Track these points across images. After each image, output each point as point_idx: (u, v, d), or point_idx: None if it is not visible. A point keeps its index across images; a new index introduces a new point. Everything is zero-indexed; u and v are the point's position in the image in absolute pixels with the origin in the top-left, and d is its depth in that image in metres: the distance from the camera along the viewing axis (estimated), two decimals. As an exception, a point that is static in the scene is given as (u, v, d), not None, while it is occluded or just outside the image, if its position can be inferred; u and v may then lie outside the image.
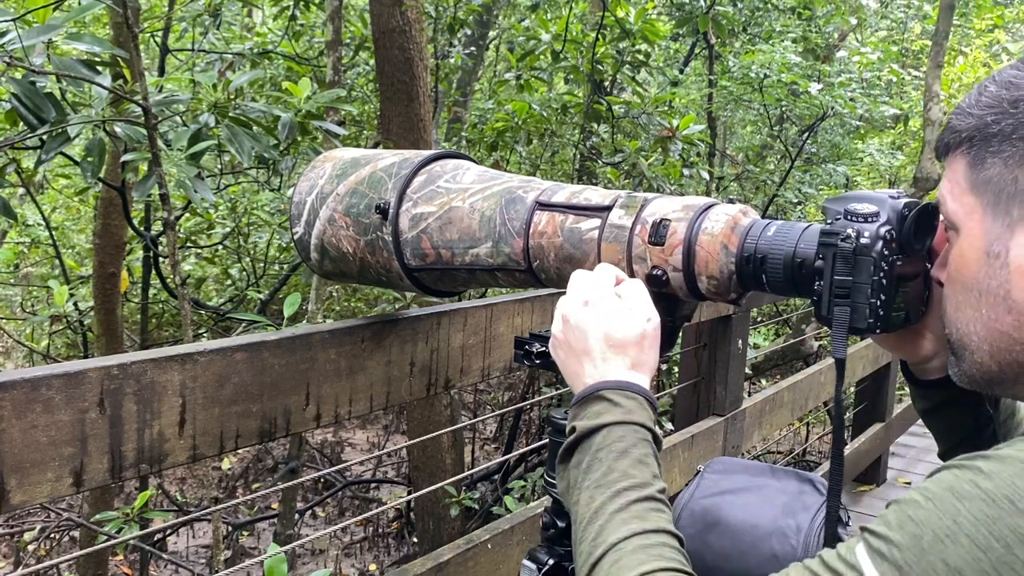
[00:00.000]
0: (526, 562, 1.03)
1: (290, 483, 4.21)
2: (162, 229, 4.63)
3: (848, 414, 4.22)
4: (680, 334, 2.26)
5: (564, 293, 0.96)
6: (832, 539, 0.84)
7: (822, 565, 0.67)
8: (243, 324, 4.76)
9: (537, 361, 1.05)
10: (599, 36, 4.82)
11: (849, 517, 1.06)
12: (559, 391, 4.49)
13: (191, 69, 5.62)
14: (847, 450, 3.67)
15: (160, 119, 2.62)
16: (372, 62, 4.95)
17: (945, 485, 0.64)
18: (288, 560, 2.55)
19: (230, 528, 5.54)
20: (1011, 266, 0.73)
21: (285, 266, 5.77)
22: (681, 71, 7.36)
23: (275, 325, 2.82)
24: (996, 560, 0.58)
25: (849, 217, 0.84)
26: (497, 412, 6.43)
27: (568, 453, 0.87)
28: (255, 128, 2.77)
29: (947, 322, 0.80)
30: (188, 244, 5.99)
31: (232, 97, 2.76)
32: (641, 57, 5.05)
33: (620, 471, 0.82)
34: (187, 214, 5.44)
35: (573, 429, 0.88)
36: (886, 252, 0.83)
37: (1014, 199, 0.72)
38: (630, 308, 0.90)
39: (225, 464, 6.52)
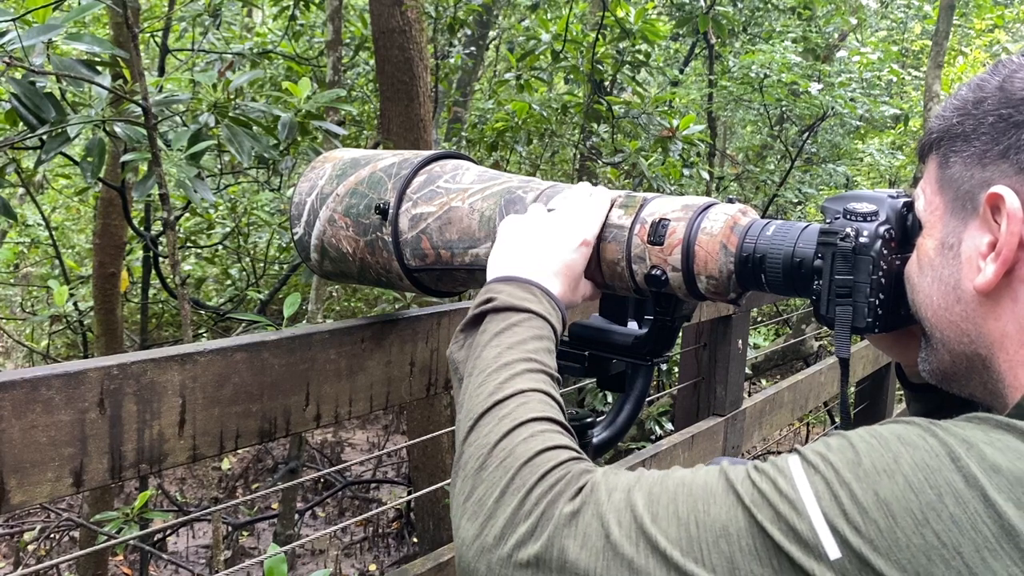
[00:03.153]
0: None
1: (290, 483, 4.21)
2: (162, 229, 4.63)
3: (850, 415, 4.21)
4: (680, 334, 2.26)
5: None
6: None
7: (754, 467, 0.68)
8: (243, 324, 4.76)
9: None
10: (599, 36, 4.82)
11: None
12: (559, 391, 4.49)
13: (191, 69, 5.62)
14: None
15: (160, 119, 2.62)
16: (372, 62, 4.95)
17: (893, 431, 0.66)
18: (288, 560, 2.55)
19: (230, 528, 5.54)
20: (962, 257, 0.76)
21: (285, 266, 5.77)
22: (681, 71, 7.36)
23: (275, 325, 2.82)
24: (925, 504, 0.60)
25: (848, 216, 0.84)
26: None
27: (478, 319, 0.91)
28: (255, 128, 2.77)
29: (914, 312, 0.83)
30: (188, 244, 5.99)
31: (232, 97, 2.76)
32: (641, 57, 5.05)
33: (534, 348, 0.86)
34: (187, 214, 5.44)
35: (490, 300, 0.91)
36: (885, 251, 0.83)
37: (968, 195, 0.75)
38: (565, 238, 0.97)
39: (225, 464, 6.52)
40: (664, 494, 0.69)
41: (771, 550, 0.63)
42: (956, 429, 0.65)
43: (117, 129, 2.52)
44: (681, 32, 6.74)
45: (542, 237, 0.97)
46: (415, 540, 5.40)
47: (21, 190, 6.64)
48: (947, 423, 0.66)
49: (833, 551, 0.61)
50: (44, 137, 2.36)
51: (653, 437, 4.80)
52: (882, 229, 0.83)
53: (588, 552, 0.68)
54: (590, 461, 0.78)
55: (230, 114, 2.69)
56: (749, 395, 2.98)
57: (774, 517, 0.64)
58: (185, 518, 5.23)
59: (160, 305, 6.40)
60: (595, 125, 5.30)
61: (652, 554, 0.66)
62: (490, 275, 0.97)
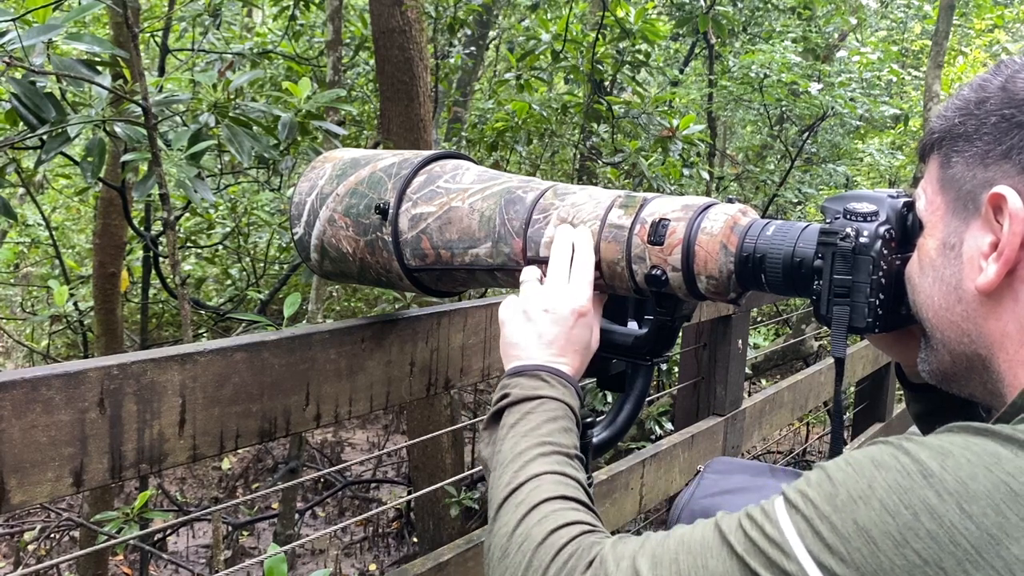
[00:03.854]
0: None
1: (290, 483, 4.21)
2: (162, 229, 4.63)
3: (848, 414, 4.22)
4: (680, 334, 2.26)
5: None
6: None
7: (745, 514, 0.70)
8: (243, 324, 4.76)
9: None
10: (599, 36, 4.82)
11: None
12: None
13: (191, 69, 5.61)
14: (846, 450, 3.66)
15: (160, 119, 2.62)
16: (372, 62, 4.95)
17: (867, 455, 0.67)
18: (288, 560, 2.55)
19: (230, 528, 5.54)
20: (963, 257, 0.76)
21: (285, 266, 5.77)
22: (681, 71, 7.36)
23: (275, 325, 2.82)
24: (902, 525, 0.61)
25: (848, 216, 0.84)
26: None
27: (497, 416, 0.96)
28: (255, 128, 2.77)
29: (914, 312, 0.83)
30: (188, 244, 5.99)
31: (232, 97, 2.76)
32: (641, 57, 5.05)
33: (547, 431, 0.91)
34: (187, 214, 5.43)
35: (505, 396, 0.96)
36: (885, 251, 0.83)
37: (970, 195, 0.76)
38: (559, 317, 0.99)
39: (225, 464, 6.52)
40: (666, 555, 0.72)
41: None
42: (933, 441, 0.65)
43: (117, 129, 2.52)
44: (681, 32, 6.74)
45: (539, 320, 1.00)
46: (415, 540, 5.40)
47: (21, 190, 6.64)
48: (926, 437, 0.67)
49: None
50: (44, 137, 2.35)
51: (653, 437, 4.80)
52: (882, 229, 0.83)
53: None
54: (602, 529, 0.82)
55: (230, 114, 2.68)
56: (749, 395, 2.98)
57: (766, 563, 0.66)
58: (185, 518, 5.23)
59: (160, 305, 6.40)
60: (595, 125, 5.30)
61: None
62: (506, 367, 1.01)
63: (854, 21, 8.20)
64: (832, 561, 0.62)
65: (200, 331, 6.03)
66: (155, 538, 5.00)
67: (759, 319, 6.94)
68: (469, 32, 6.28)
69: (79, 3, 3.04)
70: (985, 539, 0.59)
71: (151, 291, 5.46)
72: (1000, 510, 0.59)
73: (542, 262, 1.04)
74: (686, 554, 0.71)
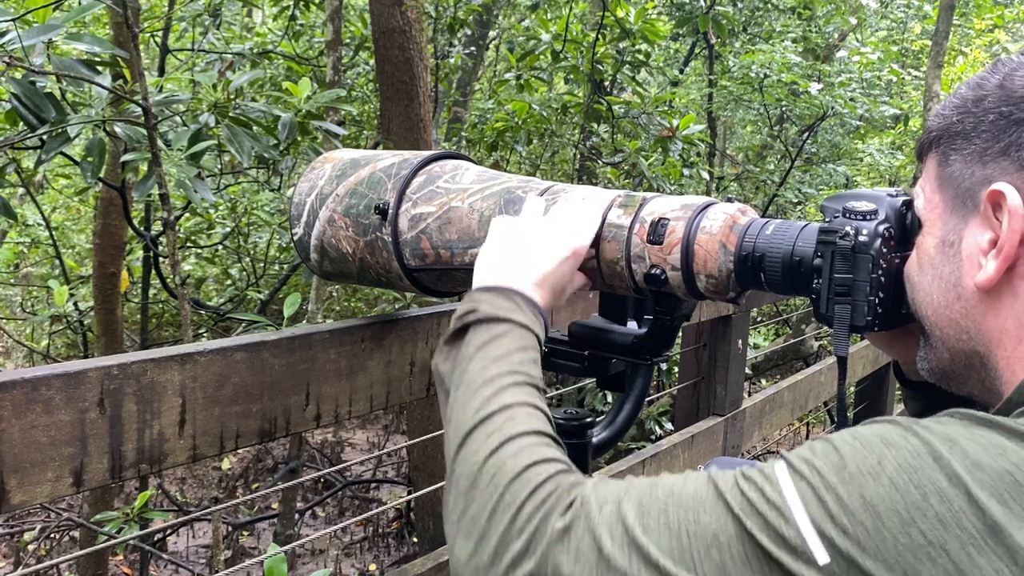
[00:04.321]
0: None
1: (290, 483, 4.21)
2: (162, 229, 4.63)
3: (848, 414, 4.20)
4: (680, 334, 2.26)
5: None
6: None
7: (741, 474, 0.69)
8: (243, 324, 4.76)
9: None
10: (599, 36, 4.82)
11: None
12: (559, 391, 4.50)
13: (191, 69, 5.61)
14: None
15: (160, 119, 2.62)
16: (372, 62, 4.95)
17: (875, 432, 0.66)
18: (288, 560, 2.55)
19: (230, 528, 5.54)
20: (962, 254, 0.76)
21: (285, 266, 5.77)
22: (681, 71, 7.36)
23: (275, 325, 2.82)
24: (910, 503, 0.60)
25: (847, 215, 0.84)
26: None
27: (462, 331, 0.90)
28: (255, 128, 2.77)
29: (914, 311, 0.83)
30: (188, 244, 5.99)
31: (232, 97, 2.76)
32: (641, 57, 5.05)
33: (519, 359, 0.86)
34: (187, 214, 5.44)
35: (472, 311, 0.91)
36: (885, 250, 0.83)
37: (969, 192, 0.76)
38: (554, 250, 0.96)
39: (225, 464, 6.52)
40: (654, 504, 0.69)
41: (761, 558, 0.64)
42: (938, 427, 0.65)
43: (117, 129, 2.52)
44: (681, 32, 6.74)
45: (530, 244, 0.96)
46: (415, 540, 5.40)
47: (21, 190, 6.65)
48: (928, 421, 0.67)
49: (822, 556, 0.62)
50: (44, 137, 2.36)
51: (653, 437, 4.80)
52: (881, 228, 0.83)
53: (582, 567, 0.69)
54: (578, 471, 0.78)
55: (230, 114, 2.69)
56: (749, 395, 2.98)
57: (763, 525, 0.64)
58: (185, 518, 5.23)
59: (160, 305, 6.40)
60: (595, 125, 5.30)
61: (645, 565, 0.67)
62: (475, 280, 0.97)
63: (854, 21, 8.20)
64: (834, 532, 0.62)
65: (200, 331, 6.03)
66: (155, 538, 5.00)
67: (759, 319, 6.94)
68: (469, 32, 6.28)
69: (79, 3, 3.04)
70: (991, 526, 0.59)
71: (151, 291, 5.46)
72: (1004, 499, 0.60)
73: None
74: (676, 506, 0.69)
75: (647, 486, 0.71)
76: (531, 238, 0.97)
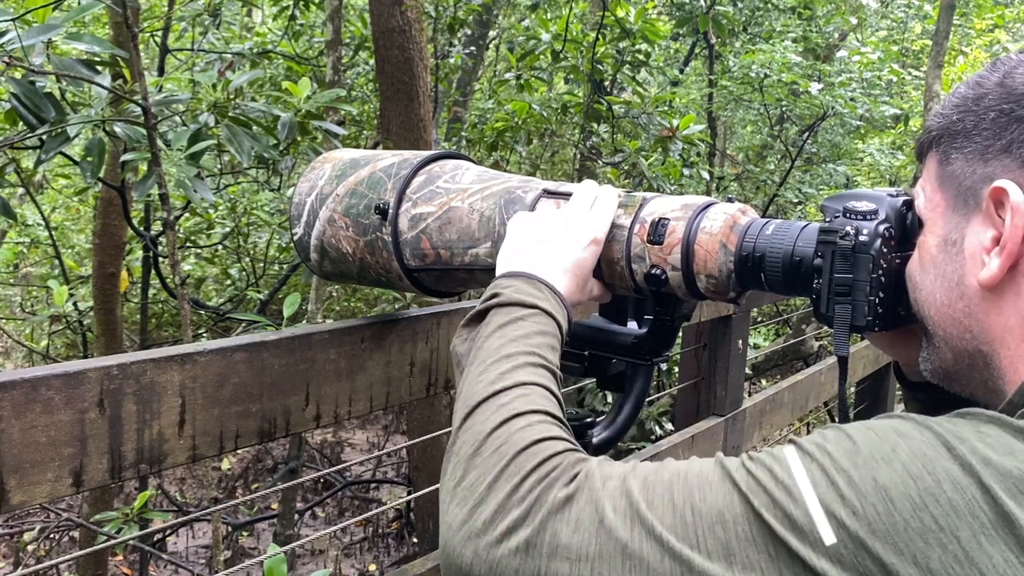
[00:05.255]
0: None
1: (290, 483, 4.21)
2: (162, 229, 4.63)
3: (849, 414, 4.20)
4: (680, 334, 2.25)
5: None
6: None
7: (748, 456, 0.69)
8: (243, 324, 4.76)
9: None
10: (599, 36, 4.82)
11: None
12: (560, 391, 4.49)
13: (191, 69, 5.61)
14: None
15: (160, 119, 2.62)
16: (372, 62, 4.95)
17: (888, 424, 0.66)
18: (288, 560, 2.55)
19: (230, 528, 5.54)
20: (965, 252, 0.76)
21: (285, 266, 5.77)
22: (681, 71, 7.36)
23: (275, 325, 2.82)
24: (923, 489, 0.60)
25: (848, 215, 0.84)
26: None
27: (482, 315, 0.90)
28: (255, 128, 2.77)
29: (916, 311, 0.83)
30: (188, 244, 5.99)
31: (232, 97, 2.76)
32: (641, 57, 5.05)
33: (538, 343, 0.86)
34: (187, 214, 5.44)
35: (496, 295, 0.90)
36: (885, 250, 0.83)
37: (971, 190, 0.76)
38: (575, 236, 0.97)
39: (225, 464, 6.52)
40: (659, 483, 0.69)
41: (767, 536, 0.63)
42: (947, 424, 0.65)
43: (117, 129, 2.52)
44: (681, 32, 6.74)
45: (552, 234, 0.97)
46: (415, 540, 5.40)
47: (21, 190, 6.64)
48: (938, 419, 0.67)
49: (829, 536, 0.61)
50: (44, 137, 2.36)
51: (653, 437, 4.80)
52: (882, 227, 0.83)
53: (581, 536, 0.68)
54: (585, 453, 0.77)
55: (230, 114, 2.69)
56: (749, 395, 2.98)
57: (770, 504, 0.64)
58: (185, 518, 5.23)
59: (160, 305, 6.40)
60: (595, 125, 5.30)
61: (647, 538, 0.66)
62: (499, 271, 0.96)
63: (854, 21, 8.20)
64: (844, 512, 0.61)
65: (200, 331, 6.03)
66: (155, 538, 5.00)
67: (759, 319, 6.94)
68: (469, 32, 6.28)
69: (79, 3, 3.03)
70: (1003, 516, 0.59)
71: (151, 291, 5.46)
72: (1014, 494, 0.60)
73: None
74: (682, 484, 0.68)
75: (653, 467, 0.72)
76: (552, 228, 0.97)
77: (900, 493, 0.61)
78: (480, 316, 0.91)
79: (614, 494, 0.69)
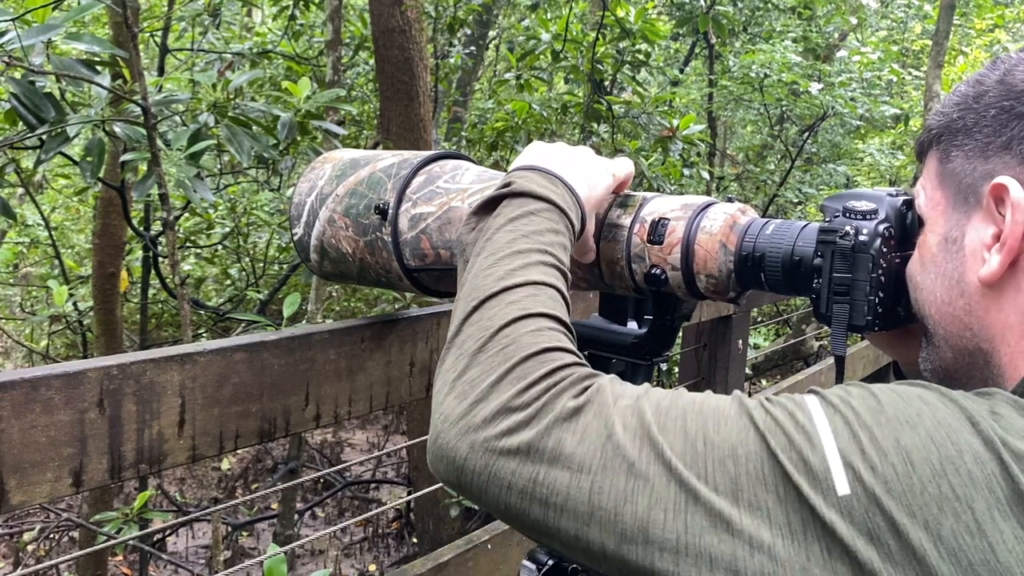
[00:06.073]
0: (526, 562, 1.03)
1: (290, 483, 4.21)
2: (162, 229, 4.63)
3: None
4: (680, 334, 2.25)
5: None
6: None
7: (766, 399, 0.68)
8: (243, 324, 4.76)
9: None
10: (599, 36, 4.82)
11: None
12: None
13: (191, 69, 5.61)
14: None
15: (160, 119, 2.62)
16: (372, 62, 4.95)
17: (913, 391, 0.66)
18: (288, 560, 2.55)
19: (230, 528, 5.54)
20: (966, 250, 0.76)
21: (285, 266, 5.77)
22: (681, 71, 7.36)
23: (275, 325, 2.82)
24: (945, 457, 0.60)
25: (847, 215, 0.84)
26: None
27: (492, 203, 0.86)
28: (255, 128, 2.77)
29: (916, 311, 0.83)
30: (188, 244, 5.99)
31: (232, 97, 2.76)
32: (641, 57, 5.05)
33: (550, 240, 0.82)
34: (187, 214, 5.44)
35: (509, 184, 0.86)
36: (885, 249, 0.83)
37: (971, 187, 0.76)
38: (597, 160, 0.95)
39: (225, 464, 6.52)
40: (673, 408, 0.68)
41: (778, 477, 0.63)
42: (971, 400, 0.65)
43: (117, 129, 2.52)
44: (681, 32, 6.74)
45: (574, 151, 0.94)
46: (415, 540, 5.40)
47: (21, 190, 6.65)
48: (962, 393, 0.66)
49: (843, 487, 0.61)
50: (44, 137, 2.36)
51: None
52: (882, 227, 0.83)
53: (586, 447, 0.67)
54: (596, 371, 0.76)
55: (230, 114, 2.69)
56: (749, 395, 2.98)
57: (787, 445, 0.63)
58: (185, 518, 5.23)
59: (160, 305, 6.40)
60: (595, 125, 5.29)
61: (655, 460, 0.65)
62: (513, 167, 0.92)
63: (854, 21, 8.20)
64: (862, 466, 0.61)
65: (200, 331, 6.03)
66: (154, 538, 5.00)
67: (759, 319, 6.94)
68: (469, 32, 6.28)
69: (79, 3, 3.03)
70: (1019, 495, 0.59)
71: (151, 291, 5.46)
72: None
73: None
74: (697, 414, 0.67)
75: (667, 393, 0.70)
76: (573, 150, 0.95)
77: (921, 457, 0.60)
78: (490, 205, 0.86)
79: (625, 412, 0.68)
